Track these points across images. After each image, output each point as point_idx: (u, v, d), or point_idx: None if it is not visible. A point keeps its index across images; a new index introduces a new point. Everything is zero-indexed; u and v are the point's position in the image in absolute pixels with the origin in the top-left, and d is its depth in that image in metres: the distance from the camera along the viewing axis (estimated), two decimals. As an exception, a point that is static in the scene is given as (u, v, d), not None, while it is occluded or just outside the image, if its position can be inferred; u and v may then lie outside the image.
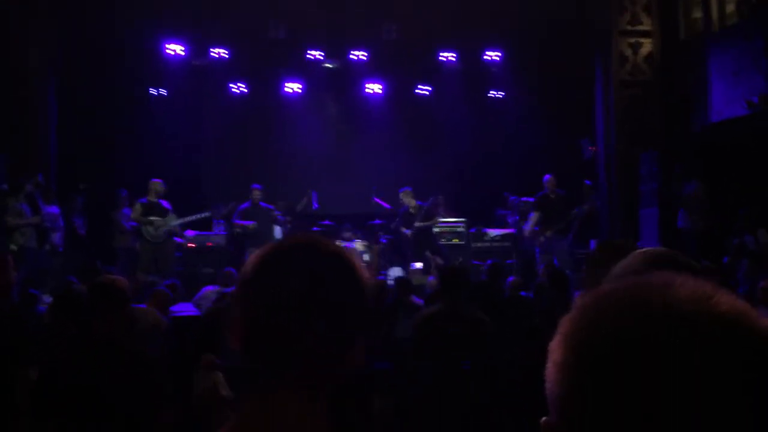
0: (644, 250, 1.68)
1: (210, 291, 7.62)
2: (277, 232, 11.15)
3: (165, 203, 10.27)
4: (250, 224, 10.80)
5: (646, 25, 11.75)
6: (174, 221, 10.23)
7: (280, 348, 1.09)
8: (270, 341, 1.10)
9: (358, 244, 11.62)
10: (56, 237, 9.80)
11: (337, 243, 1.28)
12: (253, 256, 1.17)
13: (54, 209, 9.81)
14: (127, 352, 3.26)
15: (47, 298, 7.18)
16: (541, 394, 0.76)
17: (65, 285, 6.29)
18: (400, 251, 11.88)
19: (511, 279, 7.42)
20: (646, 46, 11.73)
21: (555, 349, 0.72)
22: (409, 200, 11.16)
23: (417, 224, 10.92)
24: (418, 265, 10.78)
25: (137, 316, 5.31)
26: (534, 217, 10.58)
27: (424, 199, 11.28)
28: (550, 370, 0.72)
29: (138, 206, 10.12)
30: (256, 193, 11.04)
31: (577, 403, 0.68)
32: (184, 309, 7.65)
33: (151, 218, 10.04)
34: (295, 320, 1.09)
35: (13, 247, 8.74)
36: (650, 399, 0.63)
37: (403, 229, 11.15)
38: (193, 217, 10.66)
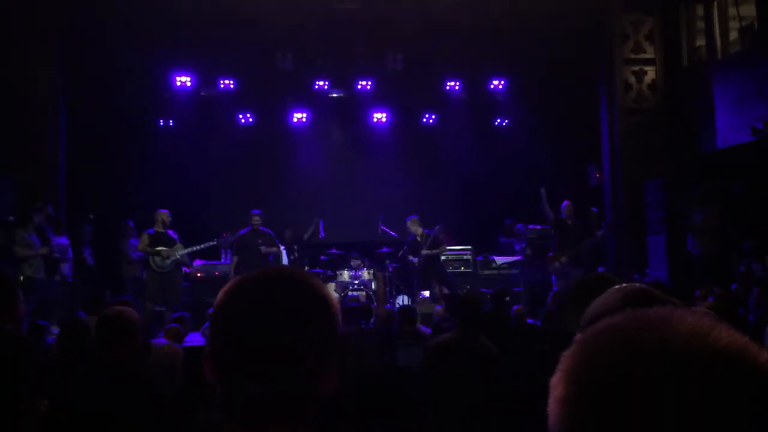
0: (621, 286, 1.64)
1: None
2: (284, 256, 11.16)
3: (172, 233, 10.31)
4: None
5: (649, 53, 11.84)
6: (181, 251, 10.26)
7: (246, 379, 1.07)
8: (233, 372, 1.08)
9: (366, 273, 11.63)
10: (66, 268, 9.84)
11: (307, 274, 1.23)
12: (223, 288, 1.17)
13: (64, 240, 9.86)
14: (136, 381, 3.26)
15: (56, 329, 7.20)
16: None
17: (72, 316, 6.28)
18: (407, 279, 11.87)
19: (516, 307, 7.39)
20: (650, 73, 11.81)
21: (556, 384, 0.73)
22: (416, 228, 11.18)
23: (424, 252, 10.93)
24: (426, 293, 10.77)
25: (154, 350, 5.33)
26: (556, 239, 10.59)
27: (430, 227, 11.30)
28: (552, 405, 0.73)
29: (145, 237, 10.15)
30: (256, 219, 11.06)
31: None
32: (193, 339, 7.67)
33: (159, 248, 10.07)
34: (257, 351, 1.07)
35: (21, 278, 8.77)
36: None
37: (411, 257, 11.15)
38: (200, 247, 10.69)
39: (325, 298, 1.16)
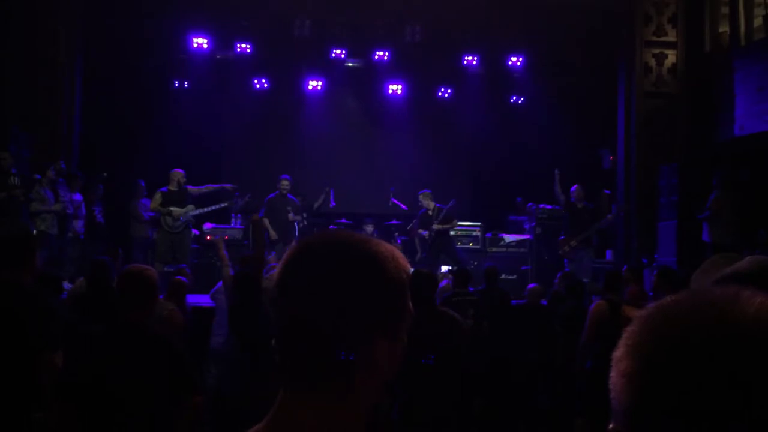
0: (758, 257, 1.63)
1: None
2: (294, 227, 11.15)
3: (187, 190, 10.28)
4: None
5: (671, 37, 11.72)
6: (192, 211, 10.27)
7: (298, 351, 1.05)
8: (289, 343, 1.06)
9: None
10: (79, 224, 9.90)
11: (370, 240, 1.13)
12: (284, 256, 1.13)
13: (77, 196, 9.91)
14: (156, 339, 3.30)
15: (67, 285, 7.26)
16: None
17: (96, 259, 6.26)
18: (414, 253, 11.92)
19: (531, 286, 7.41)
20: (671, 57, 11.70)
21: (621, 359, 0.74)
22: (428, 202, 11.16)
23: (435, 226, 10.93)
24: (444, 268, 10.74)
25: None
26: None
27: (441, 202, 11.29)
28: (616, 380, 0.74)
29: (158, 195, 10.16)
30: (285, 184, 11.00)
31: (645, 412, 0.70)
32: (201, 301, 7.72)
33: (170, 209, 10.09)
34: (309, 323, 1.04)
35: (34, 231, 8.83)
36: (716, 410, 0.65)
37: (421, 231, 11.15)
38: (211, 209, 10.69)
39: (369, 264, 1.07)
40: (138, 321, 3.29)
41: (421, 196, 11.22)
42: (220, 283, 7.54)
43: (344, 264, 1.07)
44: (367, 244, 1.10)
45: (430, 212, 11.10)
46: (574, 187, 10.55)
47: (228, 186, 10.81)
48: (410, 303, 1.11)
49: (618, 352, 0.75)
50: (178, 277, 6.76)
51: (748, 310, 0.69)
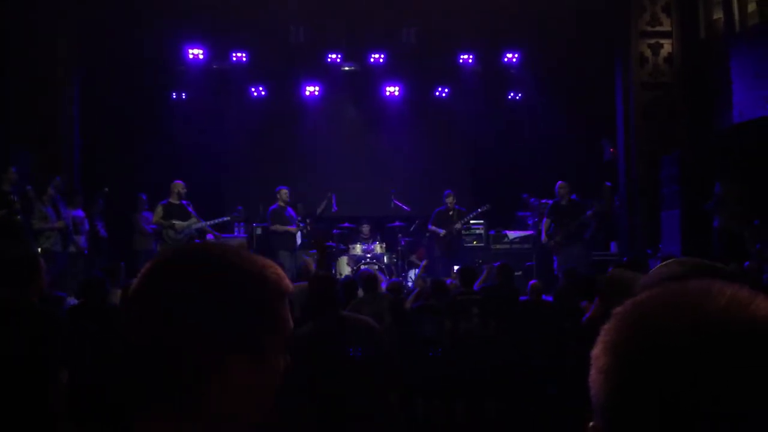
0: (682, 259, 1.65)
1: None
2: (298, 236, 11.19)
3: (186, 204, 10.33)
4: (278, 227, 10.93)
5: (665, 26, 11.69)
6: (195, 224, 10.30)
7: (143, 372, 0.99)
8: (135, 364, 1.01)
9: (378, 246, 11.67)
10: (81, 240, 9.93)
11: (233, 253, 1.06)
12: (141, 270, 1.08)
13: (79, 212, 9.94)
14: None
15: (71, 301, 7.28)
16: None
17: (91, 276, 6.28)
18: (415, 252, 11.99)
19: (533, 282, 7.39)
20: (666, 47, 11.67)
21: (598, 356, 0.75)
22: (450, 200, 11.28)
23: (457, 226, 11.04)
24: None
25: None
26: (545, 223, 10.56)
27: (441, 202, 11.35)
28: (595, 377, 0.75)
29: (159, 208, 10.19)
30: (284, 193, 11.09)
31: (621, 408, 0.71)
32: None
33: (173, 221, 10.11)
34: (153, 341, 0.98)
35: (39, 249, 8.86)
36: (692, 403, 0.66)
37: (438, 229, 11.20)
38: (214, 222, 10.74)
39: (218, 279, 1.01)
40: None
41: (448, 198, 11.29)
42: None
43: (197, 278, 1.00)
44: (223, 259, 1.03)
45: (450, 212, 11.16)
46: (558, 183, 10.53)
47: (227, 218, 10.91)
48: (286, 317, 1.05)
49: (596, 349, 0.76)
50: None
51: (719, 303, 0.70)
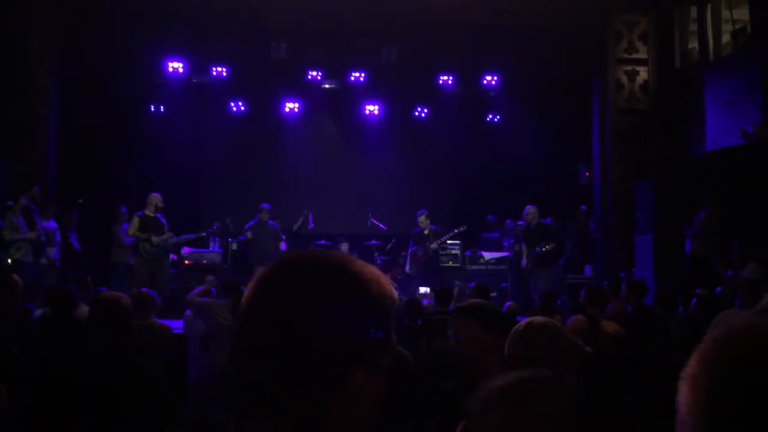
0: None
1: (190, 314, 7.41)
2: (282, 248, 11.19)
3: (162, 218, 10.26)
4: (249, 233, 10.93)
5: (642, 54, 11.90)
6: (171, 239, 10.23)
7: (264, 379, 0.95)
8: (255, 370, 0.97)
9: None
10: (53, 251, 9.78)
11: (353, 260, 1.03)
12: (257, 275, 1.06)
13: (51, 223, 9.80)
14: (132, 367, 3.25)
15: (40, 311, 7.15)
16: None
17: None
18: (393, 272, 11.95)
19: (509, 304, 7.42)
20: (642, 74, 11.87)
21: (690, 384, 0.81)
22: (423, 221, 11.27)
23: (433, 246, 11.03)
24: (423, 289, 10.76)
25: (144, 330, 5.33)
26: (524, 250, 10.71)
27: (416, 223, 11.36)
28: (688, 394, 0.81)
29: (135, 220, 10.10)
30: (265, 212, 11.11)
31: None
32: (175, 326, 7.64)
33: (150, 234, 10.02)
34: (282, 349, 0.94)
35: (9, 260, 8.72)
36: None
37: (417, 248, 11.19)
38: (190, 237, 10.69)
39: (352, 286, 0.99)
40: (116, 349, 3.24)
41: (420, 217, 11.27)
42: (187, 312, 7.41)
43: (324, 285, 0.97)
44: (348, 267, 1.01)
45: (426, 232, 11.17)
46: (527, 208, 10.67)
47: (203, 234, 10.87)
48: (392, 329, 1.01)
49: (691, 369, 0.81)
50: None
51: None
